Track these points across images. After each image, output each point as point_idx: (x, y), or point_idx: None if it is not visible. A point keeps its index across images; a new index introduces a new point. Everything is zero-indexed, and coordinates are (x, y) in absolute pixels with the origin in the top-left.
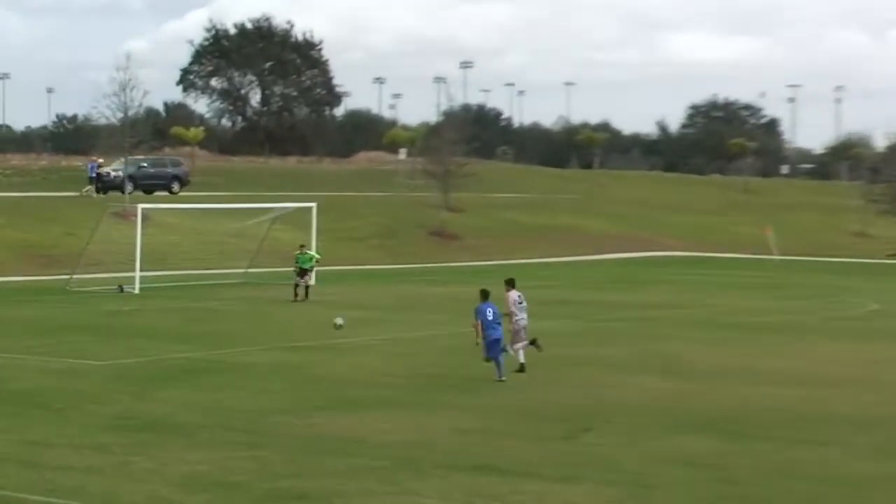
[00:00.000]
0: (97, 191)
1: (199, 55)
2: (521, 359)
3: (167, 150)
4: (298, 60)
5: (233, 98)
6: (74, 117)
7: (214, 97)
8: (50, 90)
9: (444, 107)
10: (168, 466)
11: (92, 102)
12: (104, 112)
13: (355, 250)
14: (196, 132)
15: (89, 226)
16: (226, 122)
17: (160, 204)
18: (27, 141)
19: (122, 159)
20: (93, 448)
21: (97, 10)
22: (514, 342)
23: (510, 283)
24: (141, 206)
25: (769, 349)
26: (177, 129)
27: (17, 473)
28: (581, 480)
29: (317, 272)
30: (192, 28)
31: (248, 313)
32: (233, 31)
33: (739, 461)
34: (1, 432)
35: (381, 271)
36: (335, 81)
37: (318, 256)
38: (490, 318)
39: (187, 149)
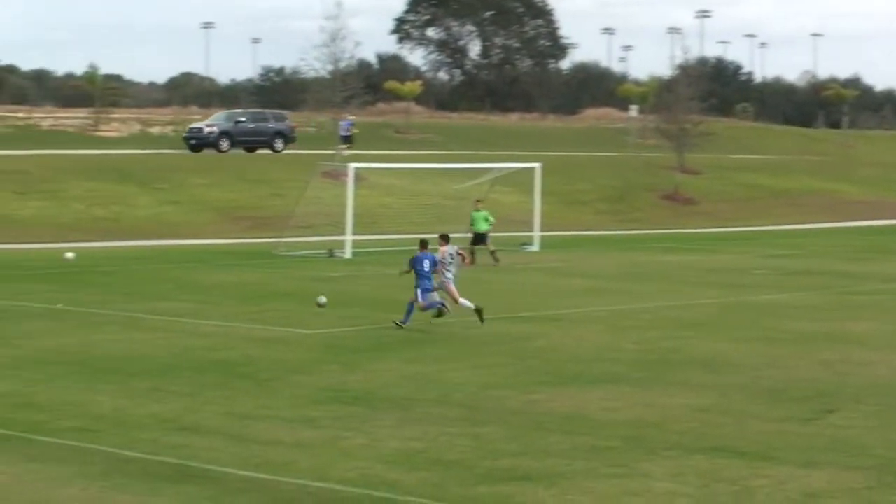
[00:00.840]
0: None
1: (415, 3)
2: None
3: (380, 105)
4: (521, 9)
5: (451, 50)
6: (281, 70)
7: (431, 49)
8: (255, 41)
9: (678, 60)
10: (381, 442)
11: (300, 54)
12: (313, 64)
13: (581, 214)
14: (412, 86)
15: (296, 186)
16: (443, 75)
17: (373, 164)
18: (232, 94)
19: (221, 113)
20: (302, 421)
21: None
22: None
23: (444, 239)
24: (353, 165)
25: None
26: (391, 84)
27: (224, 447)
28: (824, 465)
29: (540, 238)
30: None
31: (467, 280)
32: None
33: None
34: (207, 404)
35: (609, 237)
36: (560, 32)
37: (492, 219)
38: (426, 268)
39: (402, 104)
